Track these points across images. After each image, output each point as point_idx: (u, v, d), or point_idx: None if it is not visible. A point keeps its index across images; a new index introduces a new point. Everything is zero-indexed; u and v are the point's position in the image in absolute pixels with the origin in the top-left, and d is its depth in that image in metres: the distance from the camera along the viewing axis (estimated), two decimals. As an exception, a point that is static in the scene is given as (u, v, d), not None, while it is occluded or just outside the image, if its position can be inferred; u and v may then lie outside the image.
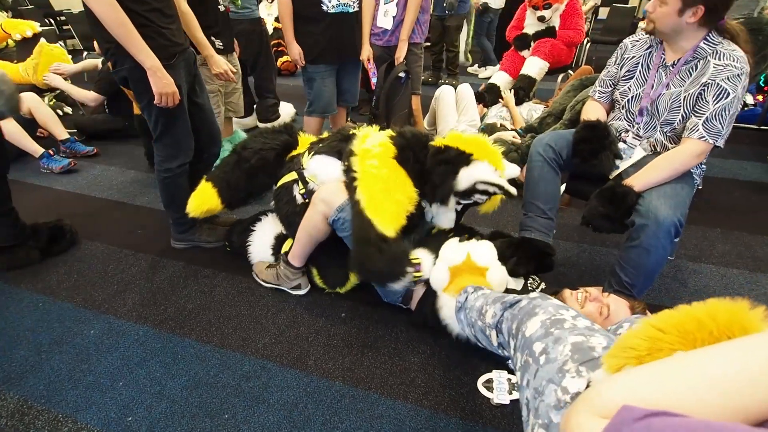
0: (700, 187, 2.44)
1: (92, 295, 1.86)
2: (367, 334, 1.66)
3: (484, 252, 1.47)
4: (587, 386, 0.74)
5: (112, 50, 1.65)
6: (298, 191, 1.72)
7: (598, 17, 6.53)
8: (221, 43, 2.39)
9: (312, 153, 1.70)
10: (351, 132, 1.68)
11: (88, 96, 3.39)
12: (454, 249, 1.48)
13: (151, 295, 1.85)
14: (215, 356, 1.56)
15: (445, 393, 1.42)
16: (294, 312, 1.76)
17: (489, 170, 1.47)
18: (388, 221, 1.46)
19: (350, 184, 1.52)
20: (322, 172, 1.65)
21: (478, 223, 2.37)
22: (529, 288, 1.55)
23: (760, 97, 3.76)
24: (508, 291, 1.51)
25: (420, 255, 1.54)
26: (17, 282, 1.94)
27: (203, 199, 1.86)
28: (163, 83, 1.66)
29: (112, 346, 1.61)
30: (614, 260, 1.58)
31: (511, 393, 1.37)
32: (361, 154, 1.53)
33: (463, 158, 1.48)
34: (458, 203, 1.58)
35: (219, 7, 2.35)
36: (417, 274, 1.50)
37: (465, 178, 1.47)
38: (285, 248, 1.85)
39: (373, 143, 1.55)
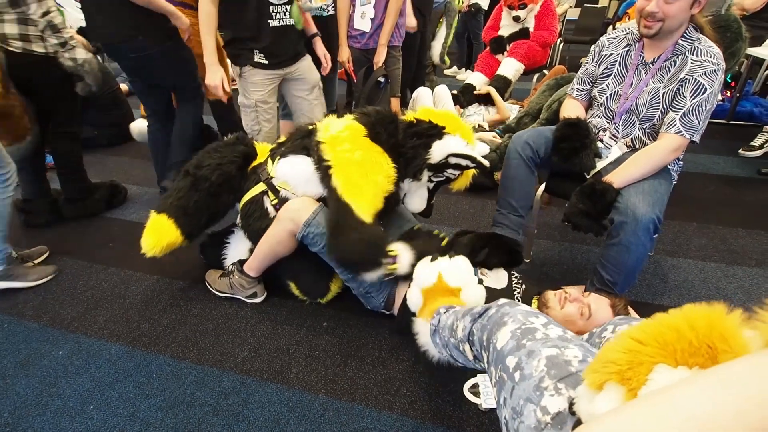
0: (675, 182, 2.48)
1: (60, 313, 1.78)
2: (349, 343, 1.62)
3: (456, 272, 1.40)
4: (570, 405, 0.71)
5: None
6: (269, 203, 1.64)
7: (567, 18, 6.64)
8: (264, 58, 2.10)
9: (277, 158, 1.63)
10: (310, 127, 1.62)
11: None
12: (425, 270, 1.42)
13: (124, 312, 1.78)
14: (192, 373, 1.50)
15: (431, 401, 1.39)
16: (274, 323, 1.71)
17: (462, 143, 1.46)
18: (365, 206, 1.44)
19: (324, 174, 1.48)
20: (293, 174, 1.58)
21: (456, 222, 2.36)
22: (514, 287, 1.53)
23: (728, 93, 3.86)
24: (493, 290, 1.48)
25: (398, 248, 1.51)
26: (-21, 303, 1.85)
27: (160, 234, 1.68)
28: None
29: (82, 367, 1.53)
30: (596, 258, 1.58)
31: (497, 398, 1.35)
32: (329, 142, 1.49)
33: (436, 131, 1.47)
34: (430, 180, 1.57)
35: (270, 21, 2.03)
36: (392, 266, 1.47)
37: (438, 150, 1.46)
38: None
39: (338, 129, 1.50)
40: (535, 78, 4.08)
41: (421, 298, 1.41)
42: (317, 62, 2.36)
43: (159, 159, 2.44)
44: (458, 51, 5.58)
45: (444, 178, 1.58)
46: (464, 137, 1.48)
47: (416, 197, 1.62)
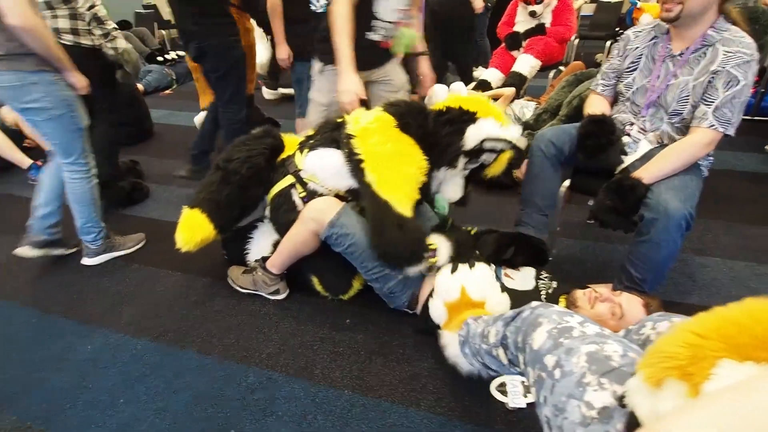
0: (705, 176, 2.44)
1: (87, 309, 1.80)
2: (373, 340, 1.61)
3: (478, 284, 1.40)
4: (620, 399, 0.69)
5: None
6: (297, 196, 1.65)
7: (582, 14, 6.55)
8: None
9: (306, 150, 1.63)
10: (339, 120, 1.61)
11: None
12: (448, 283, 1.41)
13: (149, 307, 1.80)
14: (218, 368, 1.51)
15: (458, 399, 1.38)
16: (297, 319, 1.71)
17: (495, 126, 1.46)
18: (403, 199, 1.45)
19: (356, 168, 1.49)
20: (323, 167, 1.58)
21: (474, 220, 2.34)
22: (541, 288, 1.51)
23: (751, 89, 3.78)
24: (518, 293, 1.47)
25: (436, 240, 1.54)
26: (8, 297, 1.87)
27: (194, 229, 1.70)
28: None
29: (110, 361, 1.55)
30: (624, 256, 1.55)
31: (526, 396, 1.33)
32: (359, 134, 1.49)
33: (468, 116, 1.48)
34: (465, 167, 1.57)
35: (367, 33, 1.83)
36: (432, 259, 1.50)
37: (472, 136, 1.46)
38: None
39: (368, 120, 1.50)
40: (551, 74, 4.03)
41: (445, 312, 1.41)
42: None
43: (203, 132, 2.80)
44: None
45: (479, 164, 1.57)
46: (497, 120, 1.48)
47: (452, 185, 1.62)
